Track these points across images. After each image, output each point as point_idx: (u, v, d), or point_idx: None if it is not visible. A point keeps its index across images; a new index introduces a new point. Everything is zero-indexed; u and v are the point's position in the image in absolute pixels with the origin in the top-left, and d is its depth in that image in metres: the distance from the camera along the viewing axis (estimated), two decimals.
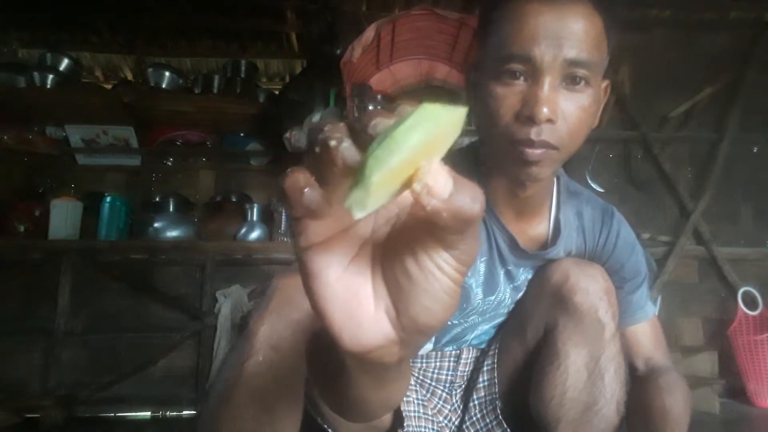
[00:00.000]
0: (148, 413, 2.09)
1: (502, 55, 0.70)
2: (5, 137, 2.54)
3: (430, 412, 0.93)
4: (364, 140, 0.25)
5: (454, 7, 2.48)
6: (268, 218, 2.49)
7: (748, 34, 2.66)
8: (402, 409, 0.87)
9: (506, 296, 0.90)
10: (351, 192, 0.26)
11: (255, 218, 2.47)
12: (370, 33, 2.02)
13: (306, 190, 0.27)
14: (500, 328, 0.95)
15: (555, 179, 0.89)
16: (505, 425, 0.89)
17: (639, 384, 0.87)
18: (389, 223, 0.32)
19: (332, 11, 2.54)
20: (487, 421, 0.92)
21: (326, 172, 0.27)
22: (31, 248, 2.23)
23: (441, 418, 0.94)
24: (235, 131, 2.75)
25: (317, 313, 0.31)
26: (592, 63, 0.69)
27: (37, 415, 1.89)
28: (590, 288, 0.79)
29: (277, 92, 2.71)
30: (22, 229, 2.40)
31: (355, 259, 0.31)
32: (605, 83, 0.77)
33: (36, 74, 2.56)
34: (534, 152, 0.69)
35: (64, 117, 2.60)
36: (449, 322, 0.88)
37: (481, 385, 0.94)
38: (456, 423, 0.94)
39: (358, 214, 0.26)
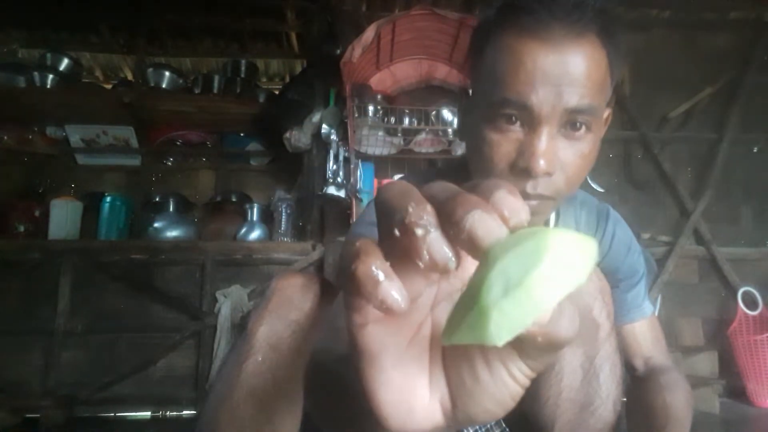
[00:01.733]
0: (148, 413, 2.09)
1: (497, 99, 0.64)
2: (5, 137, 2.54)
3: None
4: (454, 233, 0.22)
5: (454, 7, 2.48)
6: (268, 218, 2.49)
7: (748, 34, 2.67)
8: None
9: None
10: (456, 329, 0.22)
11: (255, 218, 2.47)
12: (370, 33, 2.02)
13: (384, 282, 0.23)
14: None
15: None
16: (504, 425, 0.89)
17: (639, 383, 0.87)
18: (451, 297, 0.28)
19: (332, 11, 2.54)
20: None
21: (405, 259, 0.23)
22: (31, 248, 2.23)
23: None
24: (235, 131, 2.76)
25: (366, 396, 0.28)
26: (594, 108, 0.64)
27: (37, 415, 1.89)
28: (584, 287, 0.79)
29: (277, 92, 2.71)
30: (22, 229, 2.40)
31: (413, 341, 0.29)
32: (607, 112, 0.72)
33: (36, 74, 2.56)
34: (529, 203, 0.66)
35: (64, 117, 2.60)
36: None
37: None
38: None
39: (448, 344, 0.23)
